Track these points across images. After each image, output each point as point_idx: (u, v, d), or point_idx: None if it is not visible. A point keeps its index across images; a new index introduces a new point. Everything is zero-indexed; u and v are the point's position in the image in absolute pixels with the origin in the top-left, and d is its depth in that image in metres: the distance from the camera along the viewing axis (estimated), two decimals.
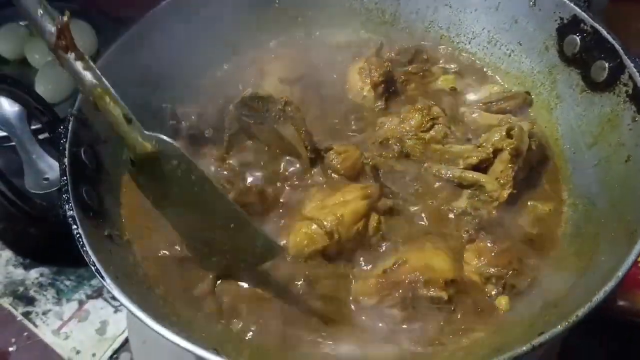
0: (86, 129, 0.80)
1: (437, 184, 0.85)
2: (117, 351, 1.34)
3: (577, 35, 0.87)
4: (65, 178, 0.73)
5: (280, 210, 0.85)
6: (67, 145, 0.76)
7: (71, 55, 0.65)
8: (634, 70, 0.78)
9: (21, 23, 1.33)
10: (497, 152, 0.83)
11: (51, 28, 0.64)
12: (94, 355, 1.33)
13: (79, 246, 0.69)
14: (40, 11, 0.64)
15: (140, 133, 0.71)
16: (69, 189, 0.72)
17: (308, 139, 0.87)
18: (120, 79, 0.87)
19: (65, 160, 0.75)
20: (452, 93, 1.00)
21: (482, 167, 0.85)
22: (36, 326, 1.40)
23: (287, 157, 0.89)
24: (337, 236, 0.80)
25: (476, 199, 0.81)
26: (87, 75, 0.67)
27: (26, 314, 1.42)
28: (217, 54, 1.05)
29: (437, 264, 0.77)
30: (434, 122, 0.90)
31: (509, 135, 0.84)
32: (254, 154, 0.90)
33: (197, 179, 0.72)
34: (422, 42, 1.06)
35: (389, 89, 0.99)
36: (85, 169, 0.78)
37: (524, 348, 0.59)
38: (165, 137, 0.71)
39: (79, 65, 0.66)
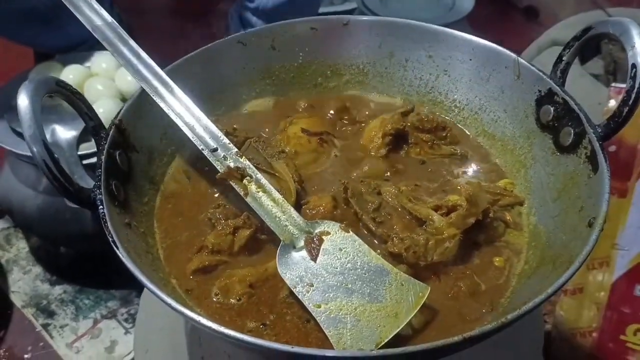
0: (123, 137, 0.95)
1: (395, 218, 0.92)
2: None
3: (551, 106, 0.99)
4: (100, 171, 0.87)
5: None
6: (106, 147, 0.90)
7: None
8: (593, 135, 0.90)
9: (86, 65, 1.53)
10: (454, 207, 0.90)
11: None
12: None
13: (102, 223, 0.81)
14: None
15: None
16: (102, 179, 0.86)
17: (296, 174, 0.98)
18: None
19: (103, 157, 0.89)
20: (453, 162, 1.08)
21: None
22: (52, 338, 1.50)
23: None
24: None
25: (427, 229, 0.87)
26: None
27: (45, 326, 1.53)
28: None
29: None
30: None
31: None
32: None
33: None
34: (428, 108, 1.19)
35: (395, 143, 1.09)
36: (117, 168, 0.92)
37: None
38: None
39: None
